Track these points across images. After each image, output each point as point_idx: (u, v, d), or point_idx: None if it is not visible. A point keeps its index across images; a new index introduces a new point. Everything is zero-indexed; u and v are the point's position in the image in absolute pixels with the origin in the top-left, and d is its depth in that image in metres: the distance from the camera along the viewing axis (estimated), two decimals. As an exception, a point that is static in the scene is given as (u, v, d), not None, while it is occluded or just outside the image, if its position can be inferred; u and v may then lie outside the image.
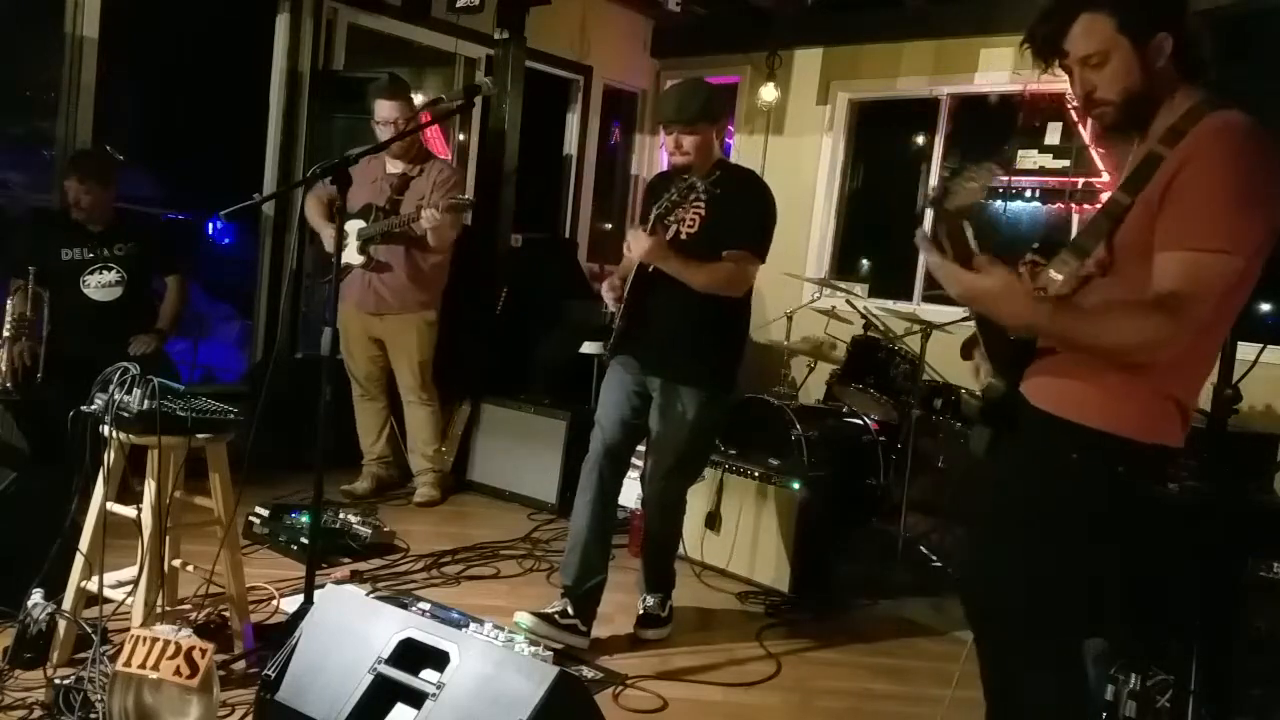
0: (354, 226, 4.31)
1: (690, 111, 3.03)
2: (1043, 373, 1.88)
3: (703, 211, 3.07)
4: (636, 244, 2.99)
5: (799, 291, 5.69)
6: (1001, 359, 1.95)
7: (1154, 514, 2.43)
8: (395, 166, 4.35)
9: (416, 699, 2.02)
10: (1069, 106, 4.89)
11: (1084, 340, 1.75)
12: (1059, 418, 1.83)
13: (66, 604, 2.56)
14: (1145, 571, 2.90)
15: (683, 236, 3.08)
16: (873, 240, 6.41)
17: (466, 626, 2.29)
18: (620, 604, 3.44)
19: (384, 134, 4.18)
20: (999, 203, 5.41)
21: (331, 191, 4.33)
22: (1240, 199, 1.64)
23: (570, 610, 3.12)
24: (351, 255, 4.31)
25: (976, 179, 1.84)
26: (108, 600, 2.49)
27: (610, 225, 7.17)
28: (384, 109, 4.23)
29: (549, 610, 3.12)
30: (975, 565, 2.07)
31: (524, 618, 3.05)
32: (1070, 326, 1.75)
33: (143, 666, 1.99)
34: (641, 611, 3.34)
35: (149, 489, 2.51)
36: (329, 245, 4.27)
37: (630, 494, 3.91)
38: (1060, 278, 1.82)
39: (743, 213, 3.07)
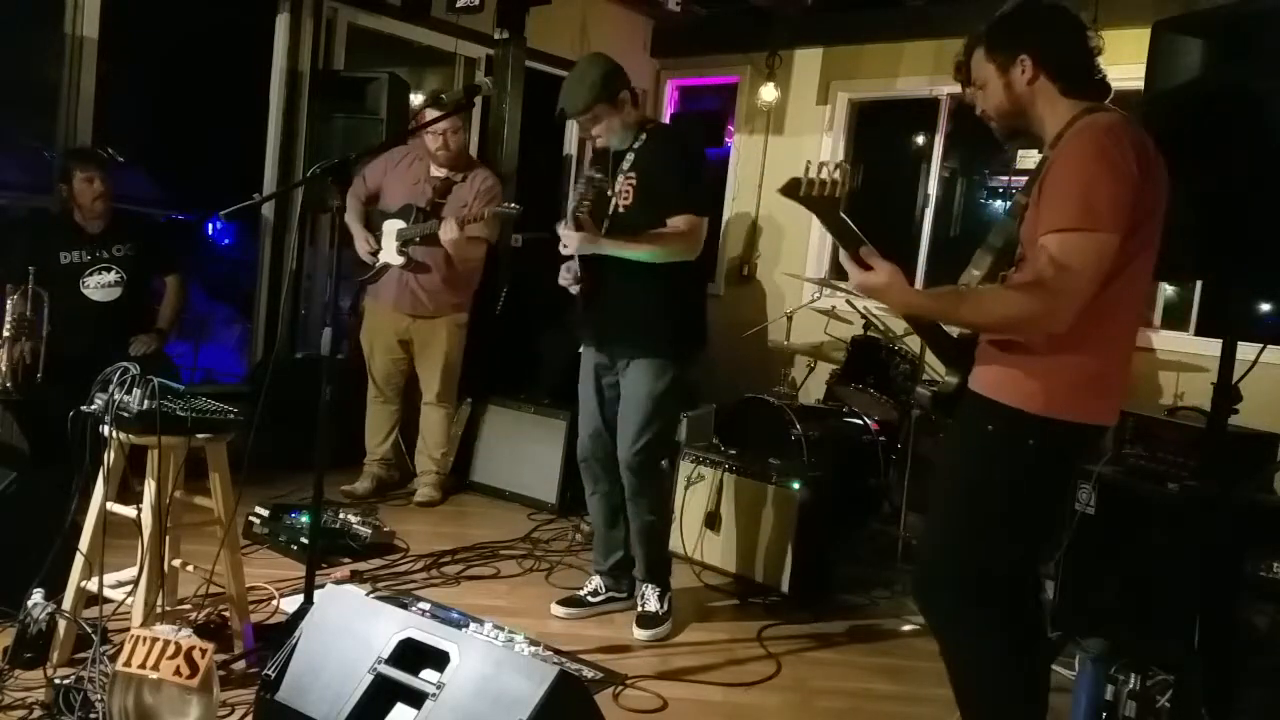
0: (393, 226, 4.35)
1: (581, 102, 3.04)
2: (979, 361, 2.12)
3: (635, 180, 3.10)
4: (568, 241, 3.05)
5: (799, 291, 5.69)
6: (947, 355, 2.19)
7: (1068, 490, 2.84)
8: (439, 170, 4.39)
9: (416, 699, 2.02)
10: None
11: (968, 318, 2.04)
12: (983, 396, 2.07)
13: (66, 604, 2.56)
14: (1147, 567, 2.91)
15: (620, 210, 3.14)
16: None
17: (466, 626, 2.29)
18: (620, 604, 3.45)
19: (433, 145, 4.29)
20: (999, 203, 5.41)
21: (372, 188, 4.39)
22: (1093, 181, 1.85)
23: (603, 586, 3.44)
24: (390, 255, 4.35)
25: (838, 175, 2.11)
26: (108, 600, 2.49)
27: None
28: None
29: (581, 592, 3.43)
30: (921, 543, 2.28)
31: (557, 609, 3.35)
32: (951, 308, 2.02)
33: (143, 666, 1.99)
34: (640, 609, 3.33)
35: (149, 489, 2.51)
36: (360, 249, 4.37)
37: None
38: (978, 274, 2.10)
39: (668, 173, 3.09)
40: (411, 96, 5.05)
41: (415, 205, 4.33)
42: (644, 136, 3.14)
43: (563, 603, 3.39)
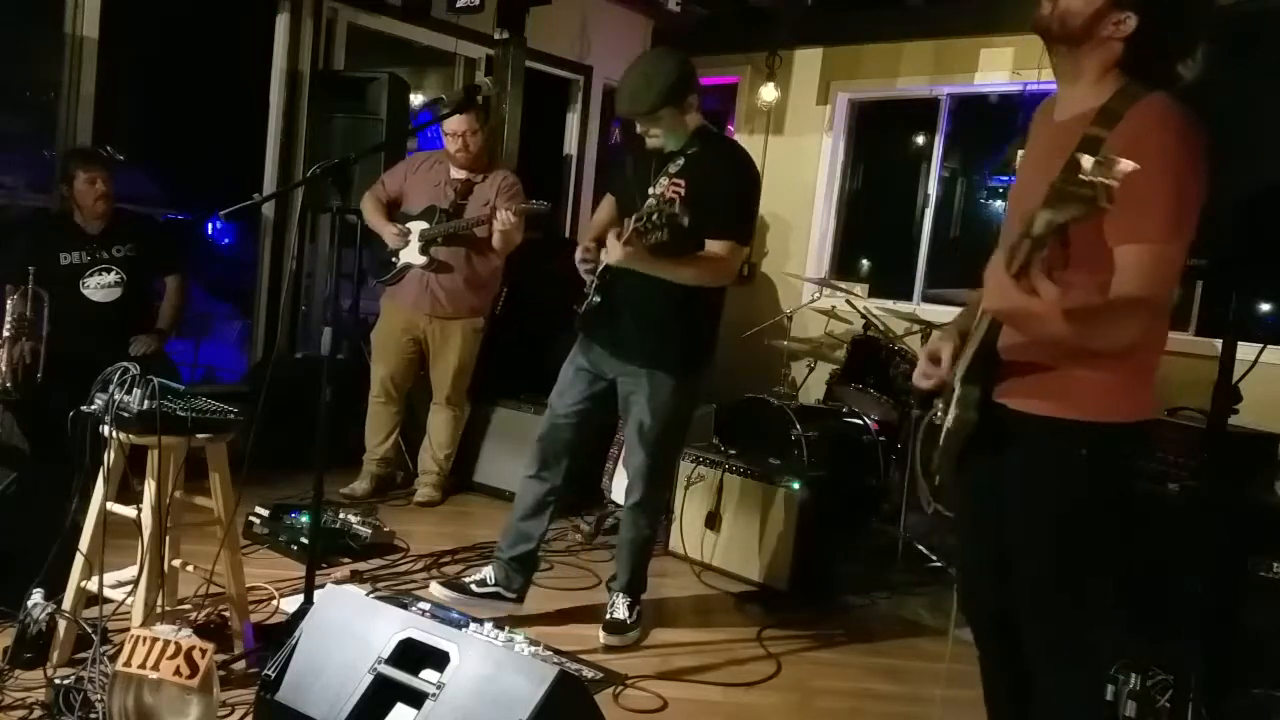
0: (416, 227, 4.36)
1: (646, 104, 2.89)
2: (1025, 376, 1.86)
3: (682, 188, 2.94)
4: (612, 250, 2.83)
5: (799, 291, 5.70)
6: (977, 369, 1.91)
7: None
8: (459, 172, 4.40)
9: (416, 699, 2.02)
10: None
11: (1092, 344, 1.73)
12: (1060, 419, 1.83)
13: (66, 604, 2.56)
14: (1147, 567, 2.90)
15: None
16: (873, 240, 6.42)
17: (466, 626, 2.29)
18: (620, 604, 3.45)
19: (452, 146, 4.31)
20: (999, 203, 5.41)
21: (393, 193, 4.40)
22: (1186, 188, 1.69)
23: (492, 577, 3.25)
24: (412, 255, 4.37)
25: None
26: (108, 600, 2.49)
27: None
28: (453, 123, 4.26)
29: (466, 580, 3.28)
30: (992, 572, 2.00)
31: (436, 589, 3.22)
32: (1082, 334, 1.68)
33: (143, 666, 1.99)
34: (608, 616, 3.24)
35: (149, 489, 2.51)
36: (391, 243, 4.36)
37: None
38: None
39: (722, 195, 2.95)
40: (411, 97, 5.05)
41: (438, 207, 4.36)
42: (698, 143, 2.98)
43: (445, 584, 3.26)
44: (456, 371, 4.52)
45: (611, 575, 3.38)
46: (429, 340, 4.50)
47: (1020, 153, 2.15)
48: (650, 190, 2.97)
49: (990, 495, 1.96)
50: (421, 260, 4.35)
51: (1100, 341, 1.71)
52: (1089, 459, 1.82)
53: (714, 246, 2.95)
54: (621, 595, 3.27)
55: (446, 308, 4.42)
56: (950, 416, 1.91)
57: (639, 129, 3.01)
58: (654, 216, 2.71)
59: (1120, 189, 1.51)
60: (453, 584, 3.28)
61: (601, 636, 3.18)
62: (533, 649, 2.24)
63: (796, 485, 3.81)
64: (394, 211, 4.46)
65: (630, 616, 3.25)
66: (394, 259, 4.43)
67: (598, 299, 3.07)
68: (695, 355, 3.14)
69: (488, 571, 3.30)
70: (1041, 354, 1.83)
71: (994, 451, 1.90)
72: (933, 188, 5.82)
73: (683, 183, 2.96)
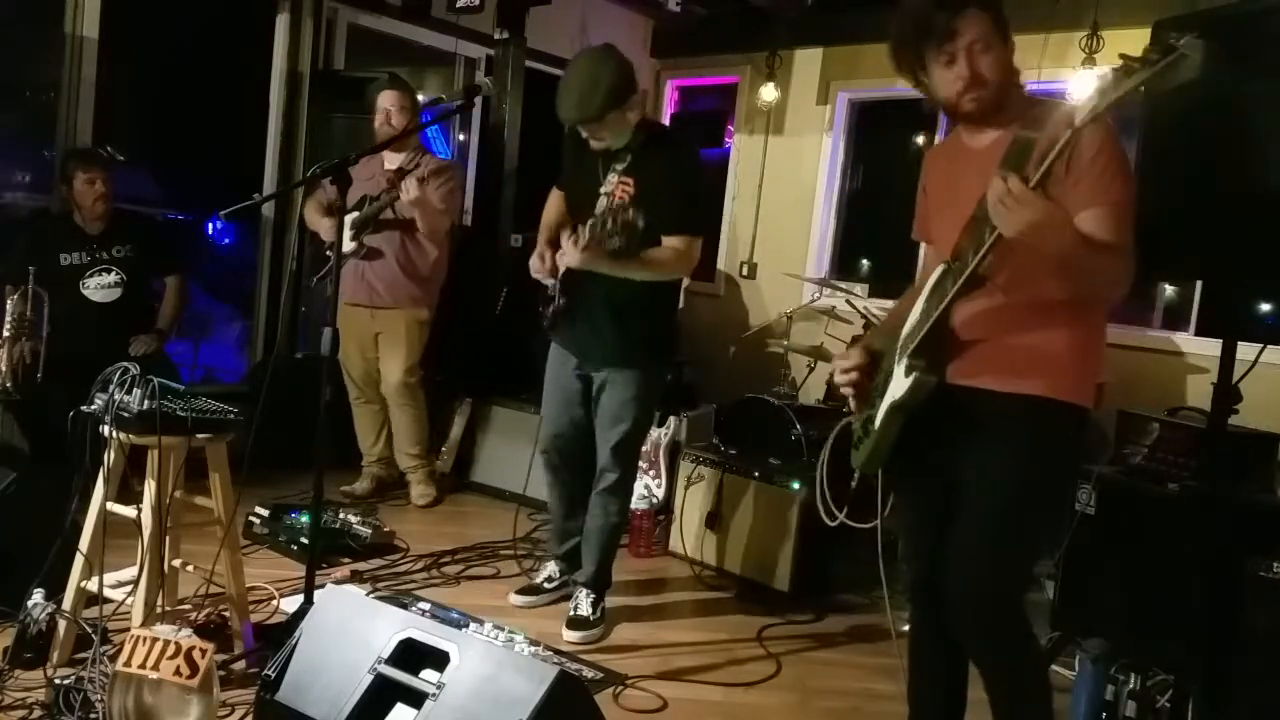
0: (350, 219, 4.29)
1: (594, 109, 2.87)
2: (990, 356, 2.05)
3: (631, 188, 2.98)
4: (570, 255, 2.88)
5: (799, 291, 5.69)
6: (930, 344, 2.07)
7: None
8: (392, 161, 4.33)
9: (416, 699, 2.02)
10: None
11: (1094, 275, 1.95)
12: (1020, 395, 2.03)
13: (66, 604, 2.56)
14: (1147, 567, 2.90)
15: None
16: (873, 240, 6.41)
17: (466, 626, 2.29)
18: (620, 605, 3.45)
19: (377, 120, 4.23)
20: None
21: (331, 195, 4.35)
22: (1125, 158, 2.00)
23: (557, 572, 3.47)
24: (346, 245, 4.28)
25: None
26: (108, 600, 2.49)
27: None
28: (382, 99, 4.24)
29: (537, 579, 3.47)
30: (955, 563, 2.12)
31: (515, 598, 3.39)
32: (1087, 257, 1.92)
33: (143, 666, 1.99)
34: (572, 612, 3.23)
35: (149, 489, 2.51)
36: (326, 235, 4.26)
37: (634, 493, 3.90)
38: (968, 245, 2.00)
39: (672, 189, 2.98)
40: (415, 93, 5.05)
41: (369, 196, 4.27)
42: (642, 138, 3.02)
43: (520, 591, 3.43)
44: (403, 365, 4.40)
45: (576, 569, 3.38)
46: (378, 334, 4.42)
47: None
48: (600, 189, 3.02)
49: (939, 466, 2.13)
50: (351, 247, 4.25)
51: (1100, 274, 1.95)
52: (1054, 435, 2.05)
53: (671, 241, 3.00)
54: (585, 590, 3.27)
55: (385, 297, 4.33)
56: (903, 385, 2.05)
57: (584, 133, 3.00)
58: (608, 224, 2.75)
59: (1074, 168, 1.90)
60: (527, 589, 3.45)
61: (565, 633, 3.17)
62: (533, 649, 2.24)
63: (796, 485, 3.81)
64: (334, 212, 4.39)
65: (594, 614, 3.24)
66: (328, 254, 4.29)
67: (562, 301, 3.12)
68: (660, 347, 3.27)
69: (551, 568, 3.48)
70: (1009, 330, 2.04)
71: (950, 425, 2.07)
72: (933, 188, 5.82)
73: (631, 181, 3.00)
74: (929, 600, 2.23)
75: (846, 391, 2.24)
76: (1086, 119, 1.75)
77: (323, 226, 4.29)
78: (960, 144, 2.19)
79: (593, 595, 3.27)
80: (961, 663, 2.29)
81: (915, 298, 2.18)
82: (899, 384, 2.07)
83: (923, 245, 2.44)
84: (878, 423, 2.13)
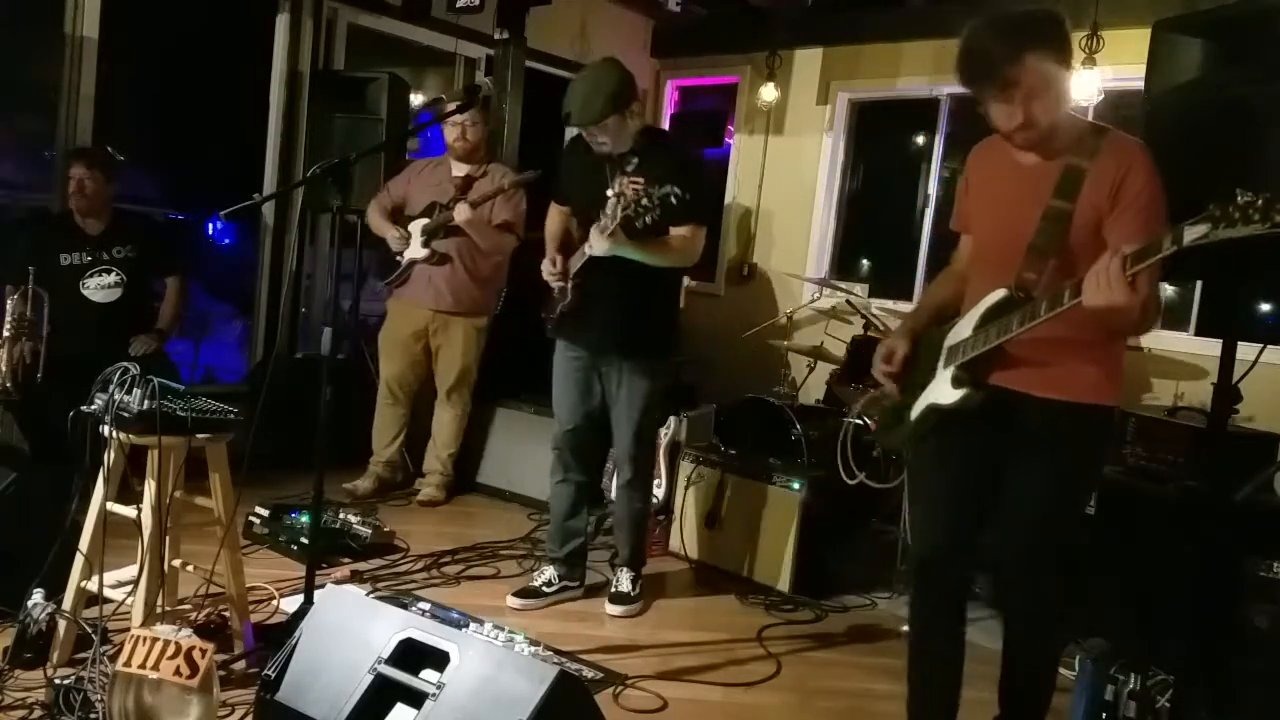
0: (418, 225, 4.42)
1: (594, 112, 3.08)
2: (1041, 368, 2.17)
3: (640, 185, 3.10)
4: (598, 244, 3.07)
5: (799, 291, 5.70)
6: (978, 362, 2.20)
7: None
8: (460, 170, 4.44)
9: (416, 699, 2.02)
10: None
11: (1141, 326, 2.10)
12: (1066, 401, 2.16)
13: (66, 604, 2.56)
14: (1148, 567, 2.90)
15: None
16: (873, 240, 6.41)
17: (466, 626, 2.29)
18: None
19: (451, 136, 4.37)
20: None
21: (397, 199, 4.45)
22: (1161, 193, 2.08)
23: (556, 576, 3.49)
24: (415, 250, 4.41)
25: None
26: (108, 600, 2.49)
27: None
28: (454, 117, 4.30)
29: (535, 583, 3.48)
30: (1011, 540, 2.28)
31: (512, 600, 3.40)
32: (1142, 318, 2.04)
33: (143, 666, 1.99)
34: (614, 589, 3.50)
35: (149, 489, 2.51)
36: (395, 245, 4.43)
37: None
38: (1033, 276, 2.13)
39: (676, 184, 3.07)
40: (411, 97, 5.05)
41: (439, 203, 4.38)
42: (645, 142, 3.22)
43: (518, 594, 3.44)
44: (459, 370, 4.53)
45: (613, 553, 3.63)
46: (433, 337, 4.51)
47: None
48: (609, 191, 3.15)
49: (980, 460, 2.26)
50: (424, 253, 4.38)
51: (1142, 328, 2.14)
52: (1095, 433, 2.23)
53: (679, 230, 3.19)
54: (625, 569, 3.53)
55: (450, 300, 4.43)
56: (950, 394, 2.19)
57: (587, 136, 3.20)
58: (643, 200, 2.93)
59: (1121, 200, 2.03)
60: (525, 592, 3.47)
61: (608, 608, 3.43)
62: (533, 649, 2.24)
63: (796, 485, 3.82)
64: (398, 217, 4.48)
65: (634, 589, 3.50)
66: (398, 259, 4.46)
67: (572, 300, 3.31)
68: (667, 338, 3.44)
69: (550, 572, 3.52)
70: (1057, 353, 2.16)
71: (991, 425, 2.20)
72: (933, 188, 5.82)
73: (640, 180, 3.14)
74: (934, 581, 2.33)
75: (885, 382, 2.37)
76: (1195, 242, 1.78)
77: (389, 234, 4.40)
78: (1008, 154, 2.23)
79: (632, 573, 3.52)
80: (961, 651, 2.38)
81: (951, 284, 2.37)
82: (945, 391, 2.21)
83: (962, 236, 2.51)
84: (914, 415, 2.28)
